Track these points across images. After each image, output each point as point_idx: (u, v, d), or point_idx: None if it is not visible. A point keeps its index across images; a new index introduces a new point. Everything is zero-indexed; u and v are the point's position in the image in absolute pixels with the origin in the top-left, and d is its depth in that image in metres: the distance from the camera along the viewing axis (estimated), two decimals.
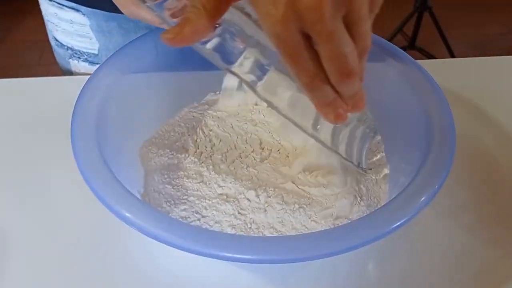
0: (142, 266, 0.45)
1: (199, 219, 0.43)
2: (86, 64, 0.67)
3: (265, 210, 0.43)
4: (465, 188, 0.51)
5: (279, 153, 0.48)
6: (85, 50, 0.66)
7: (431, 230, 0.47)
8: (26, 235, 0.48)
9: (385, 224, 0.35)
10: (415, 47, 1.76)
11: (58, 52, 0.69)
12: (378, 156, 0.50)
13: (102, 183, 0.38)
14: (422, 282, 0.44)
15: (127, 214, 0.36)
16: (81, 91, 0.46)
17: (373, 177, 0.48)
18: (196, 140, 0.50)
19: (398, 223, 0.35)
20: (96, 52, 0.66)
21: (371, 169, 0.47)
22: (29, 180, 0.52)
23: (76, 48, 0.66)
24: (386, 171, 0.48)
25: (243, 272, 0.44)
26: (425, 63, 0.64)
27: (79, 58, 0.67)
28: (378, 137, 0.51)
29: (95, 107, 0.45)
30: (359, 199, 0.44)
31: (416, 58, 0.51)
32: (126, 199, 0.37)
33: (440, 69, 0.65)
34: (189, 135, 0.53)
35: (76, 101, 0.45)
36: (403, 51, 0.51)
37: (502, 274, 0.45)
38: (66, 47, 0.66)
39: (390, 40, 1.83)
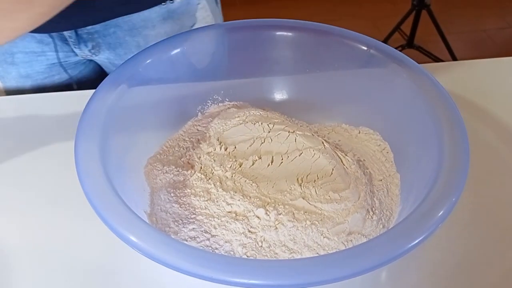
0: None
1: (208, 239, 0.42)
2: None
3: (276, 228, 0.42)
4: (479, 195, 0.50)
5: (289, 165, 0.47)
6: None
7: (446, 240, 0.46)
8: (28, 251, 0.47)
9: (402, 243, 0.34)
10: (414, 46, 1.75)
11: None
12: (387, 165, 0.49)
13: (107, 207, 0.37)
14: None
15: (133, 239, 0.35)
16: (84, 108, 0.45)
17: (385, 188, 0.47)
18: (200, 157, 0.49)
19: (415, 242, 0.34)
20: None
21: None
22: (34, 197, 0.51)
23: None
24: (397, 181, 0.47)
25: None
26: (429, 67, 0.63)
27: None
28: (387, 146, 0.51)
29: (99, 125, 0.44)
30: (371, 212, 0.43)
31: (414, 57, 0.50)
32: (131, 222, 0.36)
33: (442, 71, 0.64)
34: (193, 149, 0.52)
35: (80, 118, 0.44)
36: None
37: None
38: None
39: (388, 38, 1.82)
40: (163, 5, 0.64)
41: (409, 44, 1.75)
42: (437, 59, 1.73)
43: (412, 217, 0.36)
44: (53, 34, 0.65)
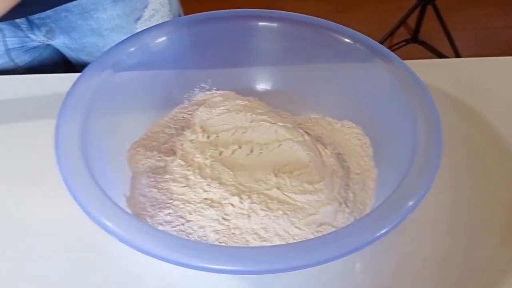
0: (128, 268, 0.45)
1: (183, 224, 0.43)
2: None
3: (249, 216, 0.42)
4: (451, 191, 0.51)
5: (267, 155, 0.48)
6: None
7: (416, 233, 0.47)
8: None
9: (368, 233, 0.35)
10: (418, 41, 1.74)
11: None
12: (366, 160, 0.50)
13: (81, 188, 0.38)
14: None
15: (107, 223, 0.35)
16: (70, 89, 0.46)
17: (361, 182, 0.47)
18: (182, 144, 0.50)
19: (381, 233, 0.35)
20: None
21: None
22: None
23: None
24: (373, 175, 0.48)
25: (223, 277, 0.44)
26: (431, 63, 0.63)
27: None
28: (367, 141, 0.51)
29: (82, 107, 0.45)
30: (344, 205, 0.44)
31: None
32: (105, 206, 0.37)
33: (444, 68, 0.64)
34: (177, 136, 0.53)
35: (64, 99, 0.45)
36: (392, 52, 0.50)
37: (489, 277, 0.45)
38: None
39: (393, 33, 1.81)
40: None
41: (413, 39, 1.74)
42: (440, 55, 1.72)
43: (379, 209, 0.37)
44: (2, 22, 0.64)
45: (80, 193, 0.37)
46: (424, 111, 0.44)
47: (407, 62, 0.50)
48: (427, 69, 0.57)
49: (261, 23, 0.56)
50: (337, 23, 0.54)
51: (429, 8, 1.64)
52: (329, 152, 0.48)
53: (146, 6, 0.68)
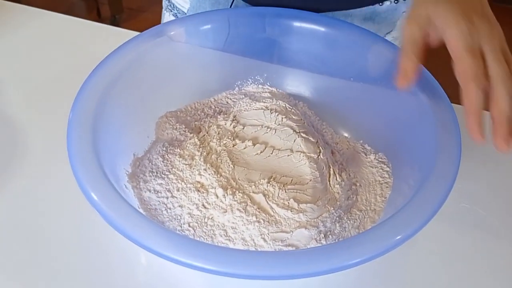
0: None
1: (167, 197, 0.44)
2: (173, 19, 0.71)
3: (225, 211, 0.42)
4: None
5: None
6: (177, 5, 0.70)
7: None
8: None
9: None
10: None
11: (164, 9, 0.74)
12: (379, 200, 0.46)
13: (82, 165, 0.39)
14: None
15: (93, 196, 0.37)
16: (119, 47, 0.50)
17: (358, 220, 0.44)
18: (210, 126, 0.51)
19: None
20: (185, 11, 0.69)
21: None
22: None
23: (172, 0, 0.69)
24: (376, 218, 0.44)
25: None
26: None
27: (171, 11, 0.71)
28: (390, 181, 0.47)
29: (121, 66, 0.48)
30: (322, 236, 0.41)
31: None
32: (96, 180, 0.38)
33: None
34: (211, 118, 0.54)
35: (109, 55, 0.49)
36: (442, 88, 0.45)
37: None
38: (169, 1, 0.71)
39: None
40: (371, 6, 0.60)
41: None
42: None
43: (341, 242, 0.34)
44: None
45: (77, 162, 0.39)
46: (445, 161, 0.39)
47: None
48: None
49: (336, 32, 0.54)
50: None
51: None
52: (339, 179, 0.45)
53: (390, 31, 0.64)
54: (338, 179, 0.45)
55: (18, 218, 0.48)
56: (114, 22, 1.86)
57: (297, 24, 0.55)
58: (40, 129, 0.56)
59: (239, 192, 0.43)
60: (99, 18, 1.87)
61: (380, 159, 0.50)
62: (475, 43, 0.35)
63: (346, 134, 0.54)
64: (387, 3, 0.59)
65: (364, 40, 0.53)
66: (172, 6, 0.70)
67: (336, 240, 0.42)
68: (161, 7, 0.72)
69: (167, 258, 0.33)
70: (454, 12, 0.36)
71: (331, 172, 0.46)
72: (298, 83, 0.58)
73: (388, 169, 0.49)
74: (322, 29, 0.54)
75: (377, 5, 0.60)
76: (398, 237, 0.34)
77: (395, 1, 0.59)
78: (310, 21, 0.55)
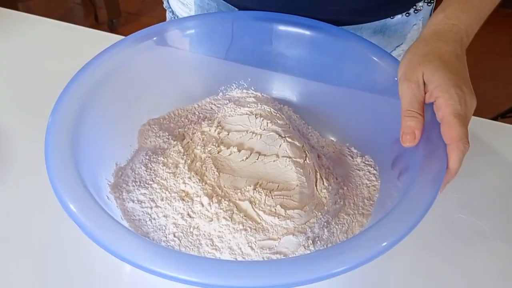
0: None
1: (151, 207, 0.43)
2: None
3: (211, 220, 0.41)
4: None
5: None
6: (181, 17, 0.69)
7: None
8: None
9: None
10: None
11: (166, 9, 0.73)
12: (366, 203, 0.45)
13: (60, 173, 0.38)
14: None
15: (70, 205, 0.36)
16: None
17: (346, 224, 0.43)
18: (194, 133, 0.50)
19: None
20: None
21: None
22: None
23: (176, 12, 0.68)
24: (365, 222, 0.43)
25: None
26: None
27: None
28: (377, 184, 0.47)
29: (101, 72, 0.47)
30: (310, 242, 0.40)
31: None
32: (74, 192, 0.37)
33: None
34: (195, 124, 0.53)
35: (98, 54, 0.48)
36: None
37: None
38: (170, 8, 0.70)
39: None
40: (382, 20, 0.59)
41: None
42: None
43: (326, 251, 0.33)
44: None
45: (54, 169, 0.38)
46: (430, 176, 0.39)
47: None
48: None
49: (321, 36, 0.53)
50: None
51: None
52: (326, 184, 0.45)
53: (400, 44, 0.63)
54: (325, 183, 0.45)
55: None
56: (112, 26, 1.84)
57: (282, 28, 0.55)
58: (29, 135, 0.56)
59: (225, 200, 0.42)
60: (96, 23, 1.85)
61: (366, 162, 0.49)
62: (462, 110, 0.38)
63: (332, 138, 0.54)
64: (398, 16, 0.58)
65: (350, 44, 0.52)
66: (177, 17, 0.69)
67: (325, 246, 0.41)
68: (158, 12, 0.71)
69: (147, 271, 0.32)
70: (448, 84, 0.39)
71: (318, 176, 0.45)
72: (283, 88, 0.57)
73: (375, 171, 0.48)
74: (307, 32, 0.54)
75: (387, 18, 0.58)
76: (384, 244, 0.33)
77: (406, 14, 0.59)
78: (295, 25, 0.54)
